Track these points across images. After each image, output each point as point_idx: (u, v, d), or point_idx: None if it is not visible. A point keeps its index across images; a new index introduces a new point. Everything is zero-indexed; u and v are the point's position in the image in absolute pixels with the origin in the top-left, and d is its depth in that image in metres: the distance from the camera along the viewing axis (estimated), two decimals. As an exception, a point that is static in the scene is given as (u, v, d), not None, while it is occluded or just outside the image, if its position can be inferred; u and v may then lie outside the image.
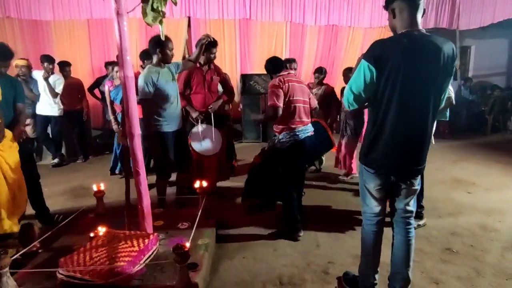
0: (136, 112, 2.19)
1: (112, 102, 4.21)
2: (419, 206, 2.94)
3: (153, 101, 2.86)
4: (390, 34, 1.79)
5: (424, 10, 1.69)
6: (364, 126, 3.73)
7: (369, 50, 1.68)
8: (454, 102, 3.09)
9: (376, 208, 1.89)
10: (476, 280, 2.25)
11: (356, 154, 4.12)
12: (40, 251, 2.34)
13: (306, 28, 7.20)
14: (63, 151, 5.36)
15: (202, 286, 2.01)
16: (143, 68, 3.91)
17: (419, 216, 2.90)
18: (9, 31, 6.12)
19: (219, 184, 3.93)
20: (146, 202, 2.30)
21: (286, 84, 2.73)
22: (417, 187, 1.84)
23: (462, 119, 7.86)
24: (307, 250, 2.63)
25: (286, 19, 7.03)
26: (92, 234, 2.29)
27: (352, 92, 1.75)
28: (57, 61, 5.08)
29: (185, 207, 3.29)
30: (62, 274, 1.91)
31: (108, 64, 5.40)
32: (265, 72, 3.06)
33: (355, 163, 4.21)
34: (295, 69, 3.85)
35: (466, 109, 7.98)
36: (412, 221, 1.90)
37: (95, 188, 2.85)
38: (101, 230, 2.28)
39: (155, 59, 2.92)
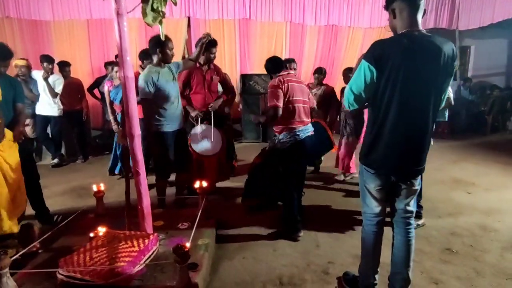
0: (136, 112, 2.19)
1: (111, 102, 4.20)
2: (418, 206, 2.94)
3: (154, 101, 2.86)
4: (389, 34, 1.79)
5: (425, 10, 1.69)
6: (364, 126, 3.73)
7: (369, 50, 1.68)
8: (452, 102, 3.10)
9: (376, 208, 1.89)
10: (476, 280, 2.25)
11: (355, 154, 4.12)
12: (40, 251, 2.34)
13: (306, 28, 7.20)
14: (63, 151, 5.35)
15: (202, 286, 2.01)
16: (142, 68, 3.91)
17: (418, 216, 2.89)
18: (9, 31, 6.13)
19: (219, 184, 3.93)
20: (146, 202, 2.30)
21: (286, 84, 2.73)
22: (418, 187, 1.84)
23: (461, 119, 7.87)
24: (307, 250, 2.63)
25: (285, 19, 7.03)
26: (92, 235, 2.29)
27: (353, 92, 1.75)
28: (56, 61, 5.08)
29: (185, 207, 3.30)
30: (62, 274, 1.91)
31: (107, 64, 5.40)
32: (265, 72, 3.05)
33: (354, 163, 4.21)
34: (294, 69, 3.86)
35: (466, 109, 7.99)
36: (412, 221, 1.90)
37: (95, 188, 2.85)
38: (101, 230, 2.28)
39: (155, 59, 2.92)
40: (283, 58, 3.47)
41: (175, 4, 2.15)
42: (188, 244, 1.86)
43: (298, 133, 2.78)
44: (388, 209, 1.94)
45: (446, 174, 4.59)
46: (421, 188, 2.85)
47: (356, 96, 1.75)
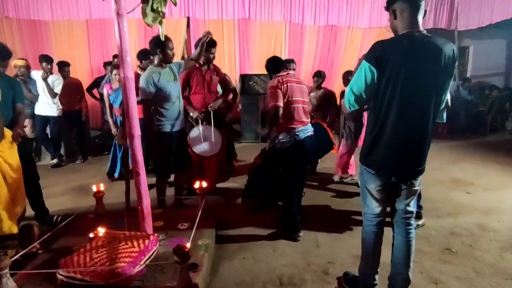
0: (136, 112, 2.19)
1: (111, 106, 4.19)
2: (418, 206, 2.95)
3: (155, 101, 2.86)
4: (389, 34, 1.80)
5: (425, 11, 1.70)
6: (363, 129, 3.73)
7: (370, 51, 1.68)
8: (450, 104, 3.10)
9: (377, 209, 1.89)
10: (475, 280, 2.26)
11: (355, 155, 4.12)
12: (40, 252, 2.34)
13: (305, 28, 7.20)
14: (62, 151, 5.33)
15: (202, 287, 2.01)
16: (140, 68, 3.91)
17: (417, 216, 2.90)
18: (8, 31, 6.12)
19: (219, 184, 3.93)
20: (146, 202, 2.30)
21: (285, 85, 2.73)
22: (418, 187, 1.85)
23: (460, 119, 7.88)
24: (307, 250, 2.63)
25: (285, 19, 7.03)
26: (92, 235, 2.29)
27: (353, 92, 1.75)
28: (55, 61, 5.06)
29: (184, 207, 3.30)
30: (62, 275, 1.91)
31: (106, 64, 5.41)
32: (265, 72, 3.06)
33: (354, 165, 4.21)
34: (294, 69, 3.87)
35: (465, 109, 8.00)
36: (413, 221, 1.91)
37: (94, 188, 2.85)
38: (101, 231, 2.28)
39: (156, 59, 2.92)
40: (282, 58, 3.47)
41: (175, 4, 2.15)
42: (188, 245, 1.87)
43: (297, 133, 2.78)
44: (388, 209, 1.94)
45: (445, 174, 4.59)
46: (420, 188, 2.86)
47: (356, 96, 1.75)
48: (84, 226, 2.62)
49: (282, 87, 2.72)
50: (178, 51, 6.38)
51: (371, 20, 7.30)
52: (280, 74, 2.81)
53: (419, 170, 1.79)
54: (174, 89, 2.94)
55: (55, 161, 5.10)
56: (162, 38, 2.43)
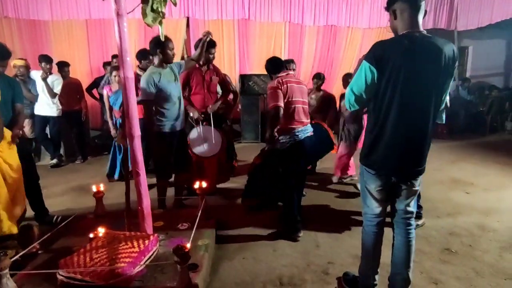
0: (136, 113, 2.19)
1: (111, 108, 4.18)
2: (418, 206, 2.95)
3: (156, 102, 2.86)
4: (389, 34, 1.80)
5: (426, 11, 1.70)
6: (363, 131, 3.73)
7: (370, 51, 1.69)
8: (449, 104, 3.10)
9: (377, 209, 1.89)
10: (475, 280, 2.26)
11: (354, 157, 4.11)
12: (40, 252, 2.34)
13: (305, 29, 7.20)
14: (62, 151, 5.33)
15: (202, 287, 2.01)
16: (139, 68, 3.91)
17: (417, 216, 2.89)
18: (7, 31, 6.12)
19: (219, 185, 3.92)
20: (146, 203, 2.30)
21: (285, 85, 2.73)
22: (418, 188, 1.85)
23: (460, 119, 7.88)
24: (307, 250, 2.64)
25: (284, 20, 7.03)
26: (92, 235, 2.29)
27: (353, 93, 1.76)
28: (55, 61, 5.06)
29: (185, 207, 3.30)
30: (62, 275, 1.91)
31: (106, 64, 5.40)
32: (264, 73, 3.06)
33: (353, 166, 4.21)
34: (294, 69, 3.86)
35: (464, 110, 8.00)
36: (413, 222, 1.91)
37: (94, 189, 2.85)
38: (101, 231, 2.27)
39: (156, 60, 2.92)
40: (282, 59, 3.47)
41: (175, 4, 2.15)
42: (188, 245, 1.86)
43: (297, 133, 2.78)
44: (388, 210, 1.94)
45: (445, 174, 4.60)
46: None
47: (357, 96, 1.76)
48: (84, 226, 2.61)
49: (283, 87, 2.72)
50: (177, 51, 6.37)
51: (371, 20, 7.30)
52: (280, 74, 2.81)
53: (419, 170, 1.79)
54: (174, 89, 2.94)
55: (54, 161, 5.10)
56: (162, 39, 2.43)
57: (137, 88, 2.79)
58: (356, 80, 1.74)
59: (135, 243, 2.11)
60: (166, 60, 2.90)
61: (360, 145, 3.74)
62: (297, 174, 2.91)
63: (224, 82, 3.83)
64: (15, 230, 2.49)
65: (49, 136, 5.10)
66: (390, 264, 1.99)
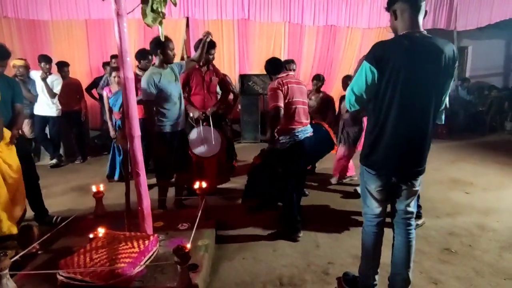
0: (136, 113, 2.19)
1: (110, 109, 4.17)
2: (417, 206, 2.95)
3: (156, 102, 2.86)
4: (388, 34, 1.80)
5: (426, 11, 1.70)
6: (362, 134, 3.73)
7: (370, 52, 1.69)
8: (448, 105, 3.10)
9: (377, 209, 1.89)
10: (475, 280, 2.26)
11: (353, 159, 4.11)
12: (39, 252, 2.34)
13: (305, 29, 7.20)
14: (61, 151, 5.33)
15: (202, 287, 2.01)
16: (139, 68, 3.90)
17: (417, 215, 2.88)
18: (7, 31, 6.11)
19: (219, 185, 3.92)
20: (146, 203, 2.30)
21: (285, 86, 2.73)
22: (418, 188, 1.85)
23: (459, 119, 7.89)
24: (307, 250, 2.64)
25: (284, 20, 7.03)
26: (92, 236, 2.28)
27: (354, 93, 1.76)
28: (55, 61, 5.05)
29: (185, 208, 3.30)
30: (62, 275, 1.91)
31: (106, 64, 5.38)
32: (264, 73, 3.06)
33: (353, 166, 4.21)
34: (293, 70, 3.86)
35: (464, 110, 8.01)
36: (413, 222, 1.91)
37: (94, 189, 2.85)
38: (101, 231, 2.27)
39: (157, 60, 2.92)
40: (281, 59, 3.47)
41: (175, 4, 2.15)
42: (188, 245, 1.86)
43: (297, 133, 2.78)
44: (388, 210, 1.94)
45: (444, 174, 4.60)
46: (419, 188, 2.86)
47: (357, 97, 1.76)
48: (84, 226, 2.61)
49: (283, 88, 2.72)
50: (177, 52, 6.35)
51: (370, 20, 7.30)
52: (280, 75, 2.81)
53: (419, 171, 1.79)
54: (175, 89, 2.94)
55: (54, 161, 5.10)
56: (162, 39, 2.43)
57: (136, 88, 2.79)
58: (356, 80, 1.74)
59: (135, 244, 2.11)
60: (166, 60, 2.90)
61: (359, 147, 3.75)
62: (297, 174, 2.91)
63: (224, 82, 3.83)
64: (15, 230, 2.49)
65: (48, 136, 5.10)
66: (390, 264, 1.99)
